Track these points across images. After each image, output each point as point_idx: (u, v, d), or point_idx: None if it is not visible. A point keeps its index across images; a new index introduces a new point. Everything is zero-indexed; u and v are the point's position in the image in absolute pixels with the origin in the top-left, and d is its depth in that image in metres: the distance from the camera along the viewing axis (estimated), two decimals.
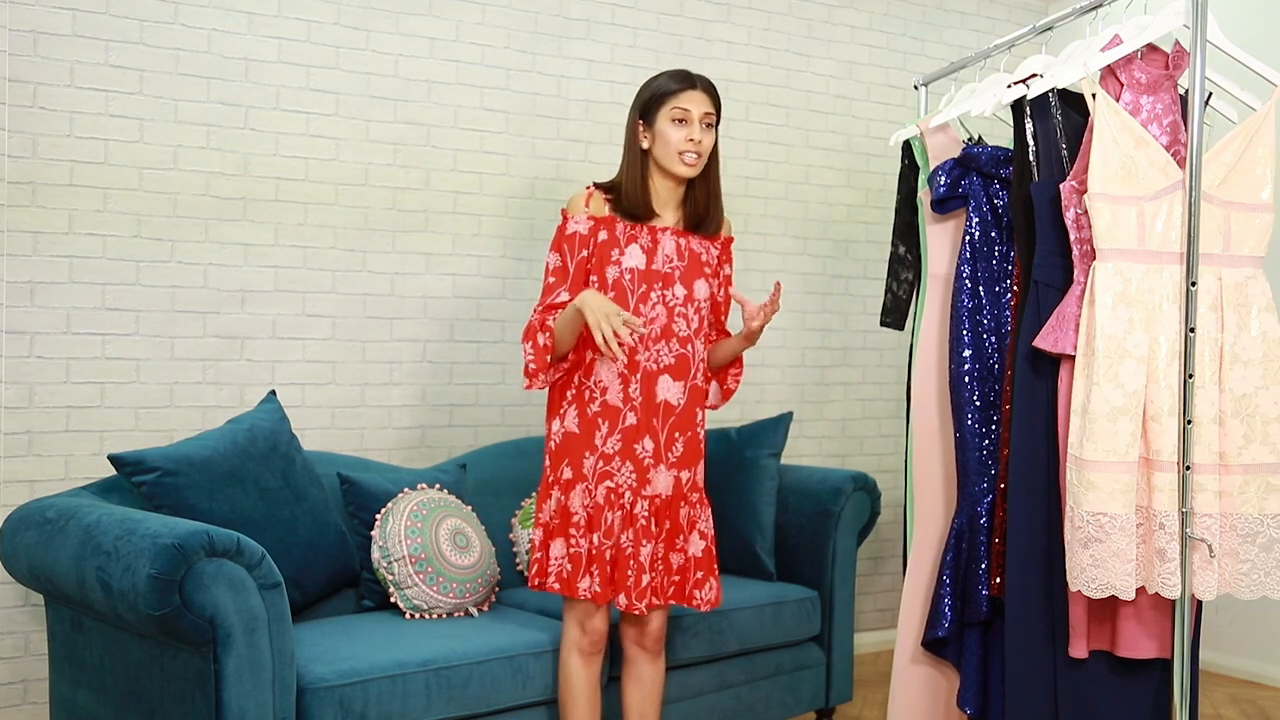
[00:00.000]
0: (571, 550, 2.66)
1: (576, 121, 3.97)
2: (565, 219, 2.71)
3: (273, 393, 3.14)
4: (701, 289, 2.76)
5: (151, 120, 3.31)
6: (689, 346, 2.73)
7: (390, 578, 3.02)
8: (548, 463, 2.74)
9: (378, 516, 3.08)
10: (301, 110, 3.52)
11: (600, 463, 2.68)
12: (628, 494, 2.68)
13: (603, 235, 2.69)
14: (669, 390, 2.71)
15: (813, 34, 4.47)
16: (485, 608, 3.17)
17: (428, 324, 3.73)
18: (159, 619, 2.26)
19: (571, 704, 2.73)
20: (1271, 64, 2.72)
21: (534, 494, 3.52)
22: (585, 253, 2.69)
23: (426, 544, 3.03)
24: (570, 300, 2.64)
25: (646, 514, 2.68)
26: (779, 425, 3.66)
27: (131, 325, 3.29)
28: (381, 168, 3.65)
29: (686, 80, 2.69)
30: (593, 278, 2.69)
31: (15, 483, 3.15)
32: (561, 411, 2.72)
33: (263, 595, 2.37)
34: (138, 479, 2.71)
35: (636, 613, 2.67)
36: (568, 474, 2.70)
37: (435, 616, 3.04)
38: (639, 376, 2.68)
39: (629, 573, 2.65)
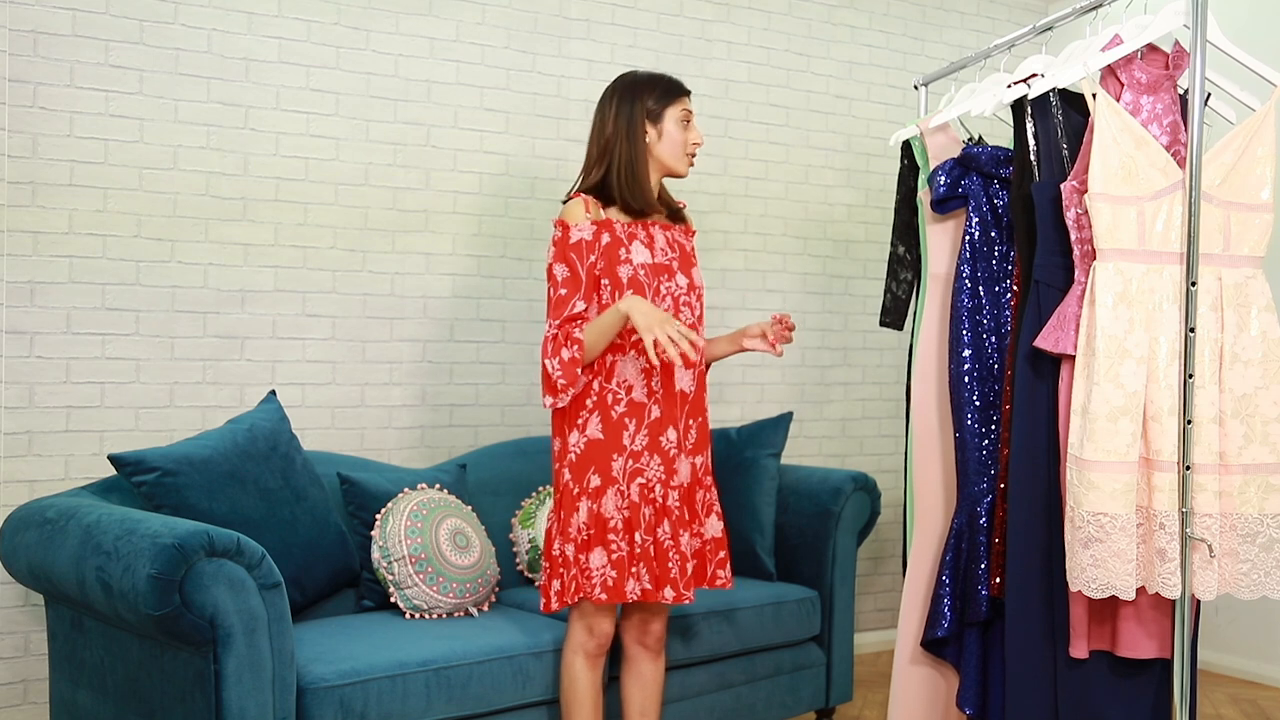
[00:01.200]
0: (614, 556, 2.62)
1: (576, 121, 3.97)
2: (565, 229, 2.67)
3: (273, 393, 3.14)
4: (697, 276, 2.80)
5: (151, 120, 3.31)
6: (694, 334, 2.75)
7: (390, 578, 3.02)
8: (569, 476, 2.67)
9: (378, 516, 3.08)
10: (301, 110, 3.52)
11: (630, 461, 2.66)
12: (658, 486, 2.68)
13: (606, 238, 2.69)
14: (682, 379, 2.72)
15: (813, 34, 4.47)
16: (485, 608, 3.17)
17: (428, 324, 3.73)
18: (159, 619, 2.26)
19: (577, 706, 2.73)
20: (1271, 64, 2.72)
21: (535, 494, 3.52)
22: (593, 258, 2.67)
23: (426, 544, 3.03)
24: (586, 309, 2.64)
25: (677, 504, 2.70)
26: (779, 425, 3.66)
27: (131, 325, 3.29)
28: (381, 168, 3.65)
29: (681, 85, 2.79)
30: (604, 281, 2.67)
31: (15, 483, 3.15)
32: (581, 421, 2.67)
33: (263, 595, 2.37)
34: (138, 479, 2.71)
35: (686, 602, 2.67)
36: (596, 481, 2.65)
37: (435, 616, 3.04)
38: (659, 368, 2.69)
39: (670, 565, 2.65)
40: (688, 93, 2.78)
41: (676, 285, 2.73)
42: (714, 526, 2.79)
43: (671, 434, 2.70)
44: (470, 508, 3.29)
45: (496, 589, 3.27)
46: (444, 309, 3.75)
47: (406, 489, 3.18)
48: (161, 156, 3.33)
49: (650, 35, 4.12)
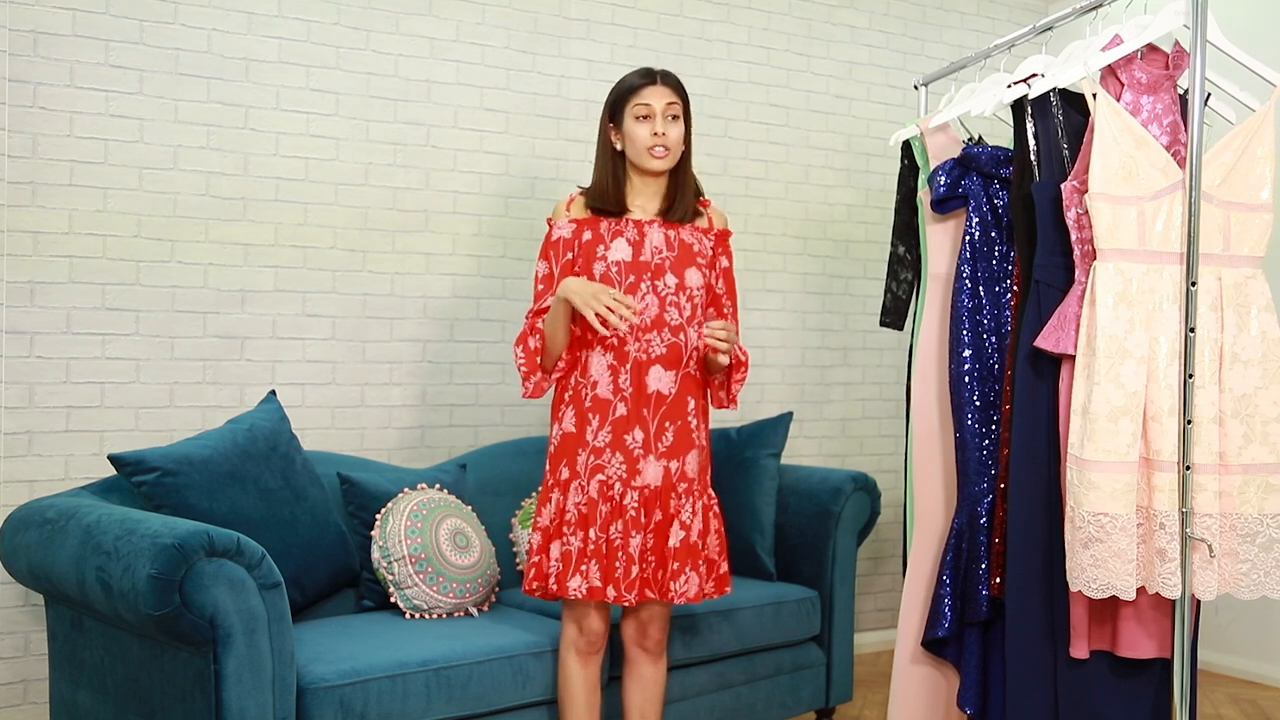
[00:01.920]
0: (563, 550, 2.66)
1: (576, 121, 3.97)
2: (550, 227, 2.77)
3: (273, 393, 3.14)
4: (694, 277, 2.75)
5: (151, 120, 3.31)
6: (681, 335, 2.72)
7: (390, 578, 3.02)
8: (548, 466, 2.76)
9: (378, 516, 3.08)
10: (301, 110, 3.52)
11: (592, 457, 2.68)
12: (618, 485, 2.67)
13: (587, 235, 2.73)
14: (660, 380, 2.70)
15: (813, 34, 4.47)
16: (485, 608, 3.17)
17: (428, 324, 3.73)
18: (159, 619, 2.26)
19: (570, 704, 2.73)
20: (1271, 64, 2.72)
21: (535, 494, 3.52)
22: (570, 255, 2.73)
23: (426, 544, 3.03)
24: None
25: (636, 505, 2.67)
26: (779, 425, 3.66)
27: (131, 325, 3.29)
28: (381, 168, 3.65)
29: (647, 76, 2.72)
30: (581, 277, 2.72)
31: (15, 483, 3.15)
32: (560, 414, 2.75)
33: (263, 595, 2.37)
34: (138, 479, 2.71)
35: (626, 604, 2.67)
36: (565, 474, 2.71)
37: (435, 616, 3.04)
38: (629, 367, 2.68)
39: (617, 565, 2.64)
40: (648, 84, 2.70)
41: (664, 285, 2.71)
42: (675, 536, 2.69)
43: (638, 434, 2.68)
44: (470, 508, 3.29)
45: (496, 589, 3.27)
46: (444, 309, 3.75)
47: (406, 489, 3.18)
48: (161, 156, 3.33)
49: (650, 35, 4.12)
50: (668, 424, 2.71)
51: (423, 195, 3.71)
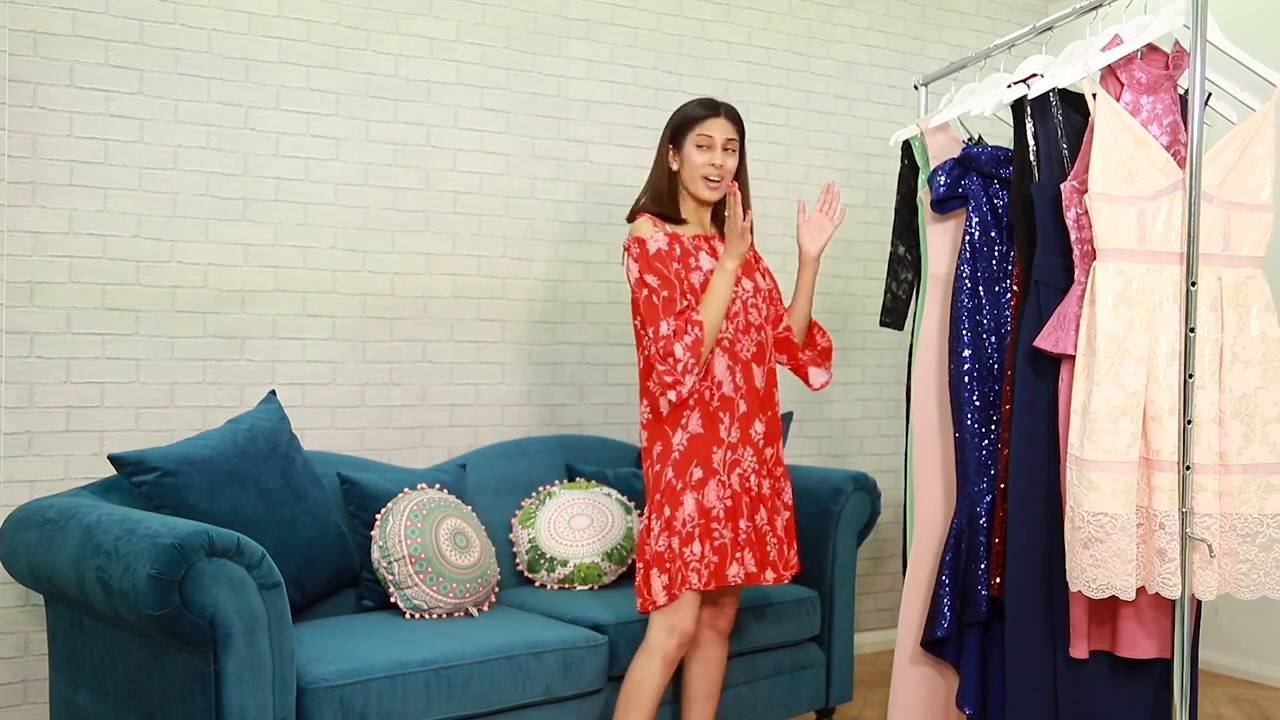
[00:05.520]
0: (716, 543, 2.73)
1: (576, 121, 3.97)
2: (642, 243, 2.75)
3: (273, 393, 3.14)
4: (762, 281, 2.91)
5: (151, 120, 3.31)
6: (763, 333, 2.87)
7: (390, 578, 3.02)
8: (671, 475, 2.74)
9: (378, 516, 3.09)
10: (301, 110, 3.52)
11: (728, 453, 2.78)
12: (753, 476, 2.82)
13: (677, 249, 2.80)
14: (758, 376, 2.84)
15: (813, 34, 4.47)
16: (485, 608, 3.17)
17: (428, 324, 3.73)
18: (159, 619, 2.26)
19: (639, 708, 2.74)
20: (1271, 64, 2.72)
21: (534, 493, 3.52)
22: (675, 265, 2.76)
23: (426, 544, 3.03)
24: (692, 303, 2.72)
25: (769, 492, 2.86)
26: None
27: (131, 325, 3.29)
28: (381, 168, 3.65)
29: (712, 108, 2.84)
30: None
31: (15, 483, 3.15)
32: (684, 420, 2.76)
33: (263, 595, 2.37)
34: (138, 479, 2.71)
35: (783, 583, 2.84)
36: (698, 474, 2.75)
37: (435, 616, 3.04)
38: (739, 365, 2.80)
39: (769, 549, 2.82)
40: (711, 115, 2.82)
41: (743, 289, 2.84)
42: (783, 515, 2.91)
43: (759, 426, 2.83)
44: (470, 508, 3.29)
45: (496, 589, 3.27)
46: (444, 309, 3.75)
47: (406, 489, 3.18)
48: (161, 156, 3.33)
49: (650, 35, 4.12)
50: (764, 414, 2.86)
51: (423, 195, 3.71)
